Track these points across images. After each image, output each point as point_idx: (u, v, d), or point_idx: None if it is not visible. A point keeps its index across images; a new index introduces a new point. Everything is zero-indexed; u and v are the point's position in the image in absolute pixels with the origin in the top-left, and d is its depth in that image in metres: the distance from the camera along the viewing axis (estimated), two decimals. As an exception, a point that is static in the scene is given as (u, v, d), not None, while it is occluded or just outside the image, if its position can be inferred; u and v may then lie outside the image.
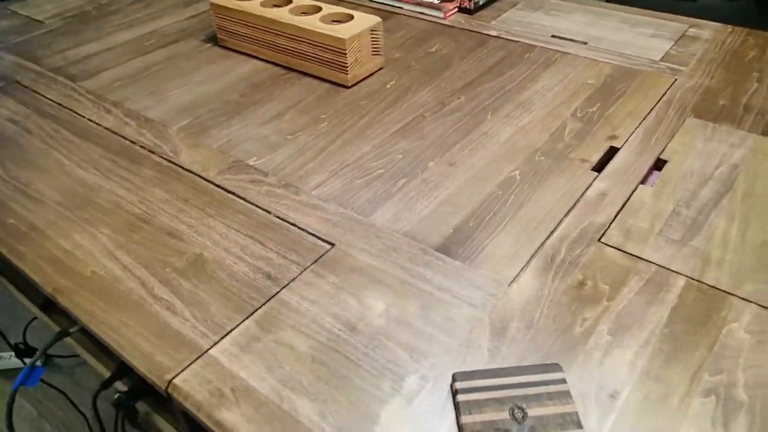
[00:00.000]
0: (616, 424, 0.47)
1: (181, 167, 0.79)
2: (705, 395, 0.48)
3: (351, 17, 0.97)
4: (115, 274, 0.62)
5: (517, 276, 0.60)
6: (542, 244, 0.64)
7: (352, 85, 0.96)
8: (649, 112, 0.85)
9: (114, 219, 0.70)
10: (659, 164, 0.75)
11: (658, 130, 0.81)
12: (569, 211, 0.68)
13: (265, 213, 0.70)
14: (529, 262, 0.62)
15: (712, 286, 0.58)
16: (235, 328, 0.56)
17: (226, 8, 1.04)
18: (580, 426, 0.46)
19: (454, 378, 0.49)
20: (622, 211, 0.68)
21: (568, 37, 1.07)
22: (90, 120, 0.90)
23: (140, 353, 0.54)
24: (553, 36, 1.08)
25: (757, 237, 0.63)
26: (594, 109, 0.87)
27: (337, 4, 1.25)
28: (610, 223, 0.66)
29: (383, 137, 0.83)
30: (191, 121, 0.89)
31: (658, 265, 0.60)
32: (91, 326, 0.57)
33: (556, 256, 0.62)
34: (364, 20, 0.95)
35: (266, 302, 0.59)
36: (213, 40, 1.13)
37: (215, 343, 0.55)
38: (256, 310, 0.58)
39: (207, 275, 0.62)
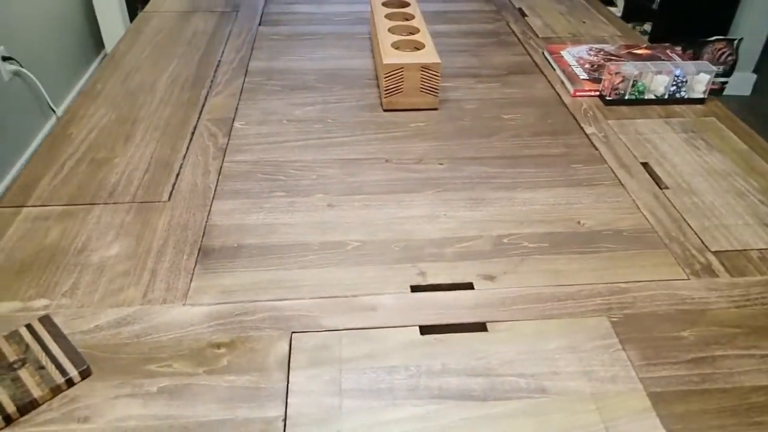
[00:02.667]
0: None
1: (204, 104, 0.98)
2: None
3: (421, 47, 0.96)
4: None
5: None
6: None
7: (387, 110, 0.97)
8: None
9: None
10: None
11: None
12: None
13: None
14: (226, 303, 0.61)
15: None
16: None
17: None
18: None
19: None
20: (357, 331, 0.58)
21: (660, 173, 0.82)
22: (222, 51, 1.16)
23: None
24: (642, 163, 0.84)
25: None
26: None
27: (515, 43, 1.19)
28: (326, 330, 0.58)
29: (325, 154, 0.85)
30: (259, 80, 1.06)
31: (286, 386, 0.52)
32: None
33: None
34: (423, 56, 0.93)
35: None
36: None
37: None
38: None
39: None
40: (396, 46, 0.98)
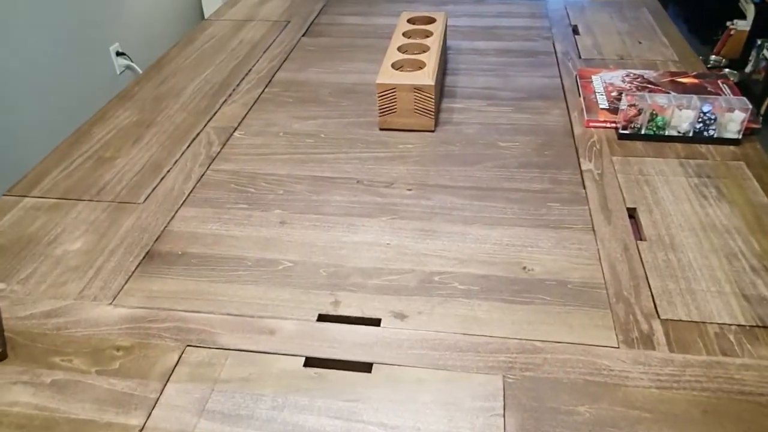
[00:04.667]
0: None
1: (216, 112, 1.03)
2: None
3: (414, 65, 0.93)
4: None
5: (126, 306, 0.65)
6: (174, 309, 0.64)
7: (382, 129, 0.95)
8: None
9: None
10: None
11: (443, 352, 0.57)
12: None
13: (172, 162, 0.90)
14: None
15: None
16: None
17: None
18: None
19: None
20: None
21: (645, 221, 0.73)
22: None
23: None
24: (629, 208, 0.75)
25: None
26: (462, 287, 0.65)
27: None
28: (219, 347, 0.59)
29: (302, 170, 0.86)
30: (276, 91, 1.09)
31: (157, 396, 0.54)
32: None
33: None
34: (416, 77, 0.91)
35: (72, 199, 0.82)
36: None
37: None
38: (63, 198, 0.83)
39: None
40: (399, 65, 0.97)
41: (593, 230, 0.73)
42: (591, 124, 0.94)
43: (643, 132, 0.89)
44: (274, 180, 0.86)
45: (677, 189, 0.79)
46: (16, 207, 0.82)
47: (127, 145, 0.95)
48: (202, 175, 0.87)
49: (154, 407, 0.55)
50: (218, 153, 0.92)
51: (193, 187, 0.85)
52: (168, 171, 0.88)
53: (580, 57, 1.17)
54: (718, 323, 0.60)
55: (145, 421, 0.54)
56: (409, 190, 0.83)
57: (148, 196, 0.83)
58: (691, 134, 0.88)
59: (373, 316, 0.63)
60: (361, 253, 0.72)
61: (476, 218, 0.76)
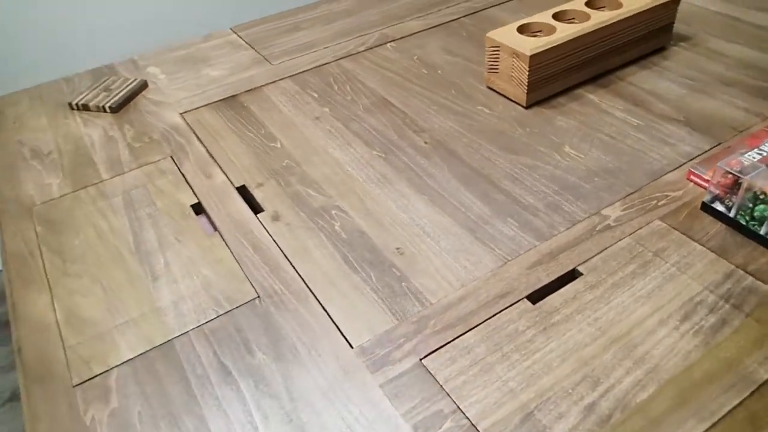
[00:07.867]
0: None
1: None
2: None
3: (550, 32, 0.81)
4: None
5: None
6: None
7: (487, 87, 0.88)
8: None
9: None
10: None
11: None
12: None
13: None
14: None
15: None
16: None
17: None
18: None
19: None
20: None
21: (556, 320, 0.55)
22: None
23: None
24: (574, 271, 0.56)
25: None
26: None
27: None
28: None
29: (380, 86, 0.90)
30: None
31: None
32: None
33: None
34: (522, 42, 0.79)
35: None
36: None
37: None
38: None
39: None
40: (537, 28, 0.86)
41: (506, 260, 0.61)
42: (692, 176, 0.69)
43: (731, 215, 0.62)
44: (342, 79, 0.94)
45: (666, 294, 0.56)
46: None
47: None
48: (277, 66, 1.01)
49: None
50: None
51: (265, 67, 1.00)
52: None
53: (837, 107, 0.79)
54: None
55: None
56: (426, 143, 0.80)
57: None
58: (795, 250, 0.57)
59: (259, 208, 0.72)
60: (322, 164, 0.78)
61: (432, 192, 0.72)
